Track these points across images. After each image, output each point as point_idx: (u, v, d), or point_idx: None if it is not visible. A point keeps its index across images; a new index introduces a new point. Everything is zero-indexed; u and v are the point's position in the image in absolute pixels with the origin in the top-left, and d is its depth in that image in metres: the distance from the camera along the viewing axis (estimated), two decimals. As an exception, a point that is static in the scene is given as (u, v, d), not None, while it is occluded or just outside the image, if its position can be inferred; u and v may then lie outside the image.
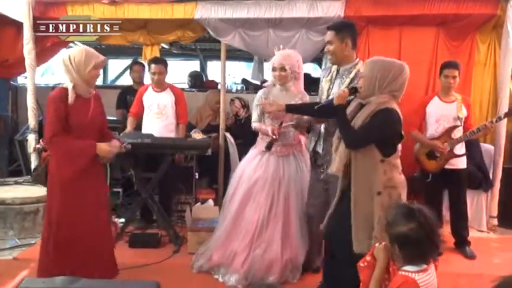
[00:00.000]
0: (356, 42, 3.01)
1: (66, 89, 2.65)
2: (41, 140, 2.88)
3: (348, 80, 2.90)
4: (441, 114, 4.00)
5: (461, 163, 3.99)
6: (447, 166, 3.97)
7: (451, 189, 4.12)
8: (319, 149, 3.08)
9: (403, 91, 2.49)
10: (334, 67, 3.08)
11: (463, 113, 3.95)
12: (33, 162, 5.09)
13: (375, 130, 2.42)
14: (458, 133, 3.93)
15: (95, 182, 2.85)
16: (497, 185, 4.56)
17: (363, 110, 2.49)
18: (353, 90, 2.58)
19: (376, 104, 2.41)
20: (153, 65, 4.32)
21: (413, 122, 4.22)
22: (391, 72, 2.41)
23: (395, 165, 2.44)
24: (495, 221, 4.63)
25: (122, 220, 4.31)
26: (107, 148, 2.81)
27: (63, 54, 2.68)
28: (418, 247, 1.76)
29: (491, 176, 4.57)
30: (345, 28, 2.96)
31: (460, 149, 3.96)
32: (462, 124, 3.95)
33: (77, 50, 2.69)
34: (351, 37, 2.93)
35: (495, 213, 4.62)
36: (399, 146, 2.51)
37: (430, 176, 4.04)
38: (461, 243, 4.05)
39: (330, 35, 2.94)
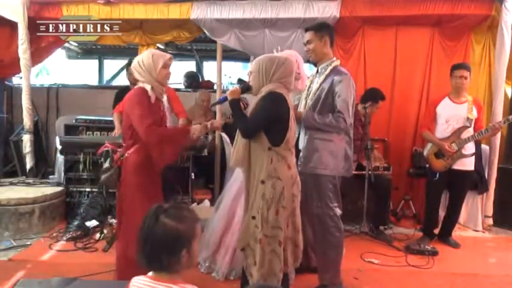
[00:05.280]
0: (333, 41, 3.11)
1: (145, 89, 2.67)
2: (106, 142, 2.84)
3: (322, 77, 2.98)
4: (451, 114, 4.02)
5: (469, 165, 4.02)
6: (455, 167, 3.99)
7: (454, 190, 4.16)
8: (300, 144, 3.09)
9: (292, 79, 2.54)
10: (316, 68, 3.18)
11: (474, 114, 3.96)
12: (29, 163, 5.10)
13: (260, 112, 2.45)
14: (467, 134, 3.95)
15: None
16: (493, 185, 4.59)
17: (254, 100, 2.55)
18: (245, 88, 2.67)
19: (264, 92, 2.46)
20: None
21: (424, 122, 4.27)
22: (274, 63, 2.47)
23: (283, 157, 2.42)
24: (490, 221, 4.66)
25: (118, 221, 4.29)
26: (199, 127, 2.84)
27: (133, 64, 2.72)
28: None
29: (486, 177, 4.61)
30: (322, 27, 3.08)
31: (469, 149, 3.97)
32: (472, 125, 3.96)
33: (144, 54, 2.73)
34: (329, 36, 3.03)
35: (490, 213, 4.65)
36: (290, 139, 2.45)
37: (438, 175, 4.06)
38: (446, 235, 4.22)
39: (309, 34, 3.06)
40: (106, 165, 2.78)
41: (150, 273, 1.52)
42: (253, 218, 2.45)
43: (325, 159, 2.92)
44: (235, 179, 3.43)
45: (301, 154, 3.01)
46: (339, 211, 2.99)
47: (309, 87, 3.14)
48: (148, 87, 2.67)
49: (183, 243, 1.48)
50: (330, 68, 2.99)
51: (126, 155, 2.69)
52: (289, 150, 2.46)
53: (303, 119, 2.94)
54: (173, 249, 1.47)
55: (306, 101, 3.09)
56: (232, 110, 2.62)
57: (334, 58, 3.06)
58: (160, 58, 2.70)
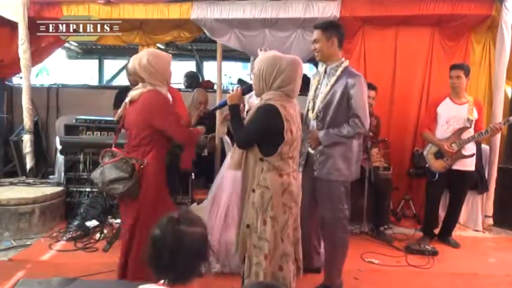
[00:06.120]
0: (342, 41, 3.02)
1: (162, 92, 2.66)
2: (115, 148, 2.76)
3: (334, 78, 2.92)
4: (452, 115, 4.01)
5: (469, 165, 4.01)
6: (455, 167, 3.99)
7: (454, 190, 4.16)
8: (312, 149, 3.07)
9: (295, 86, 2.42)
10: (323, 68, 3.11)
11: (474, 115, 3.95)
12: (29, 163, 5.10)
13: (252, 127, 2.41)
14: (467, 135, 3.95)
15: None
16: (493, 185, 4.58)
17: (252, 108, 2.51)
18: (246, 89, 2.63)
19: (263, 101, 2.40)
20: None
21: (424, 122, 4.28)
22: (276, 67, 2.35)
23: (275, 167, 2.36)
24: (490, 221, 4.65)
25: (118, 221, 4.30)
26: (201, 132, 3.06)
27: (135, 62, 2.64)
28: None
29: (486, 177, 4.60)
30: (331, 27, 3.00)
31: (469, 149, 3.97)
32: (472, 126, 3.96)
33: (152, 55, 2.67)
34: (337, 36, 2.95)
35: (490, 212, 4.65)
36: (285, 150, 2.37)
37: (437, 175, 4.05)
38: (446, 235, 4.23)
39: (316, 33, 2.99)
40: (117, 174, 2.59)
41: (162, 281, 1.45)
42: (248, 226, 2.42)
43: (340, 165, 2.90)
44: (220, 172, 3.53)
45: (315, 158, 2.99)
46: (347, 213, 2.98)
47: (316, 88, 3.07)
48: (163, 89, 2.66)
49: (209, 245, 1.48)
50: (340, 69, 2.92)
51: (146, 161, 2.62)
52: (282, 160, 2.37)
53: (321, 140, 2.89)
54: (206, 254, 1.47)
55: (314, 103, 3.02)
56: (230, 116, 2.57)
57: (343, 58, 3.00)
58: (167, 58, 2.73)
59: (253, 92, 2.67)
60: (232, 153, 2.56)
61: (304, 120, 3.08)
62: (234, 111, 2.54)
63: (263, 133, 2.36)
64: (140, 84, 2.67)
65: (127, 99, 2.72)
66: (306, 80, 4.21)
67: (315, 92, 3.07)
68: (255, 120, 2.39)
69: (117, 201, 2.88)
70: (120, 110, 2.78)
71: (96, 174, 2.69)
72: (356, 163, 2.98)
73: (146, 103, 2.59)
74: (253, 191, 2.39)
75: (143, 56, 2.64)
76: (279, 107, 2.33)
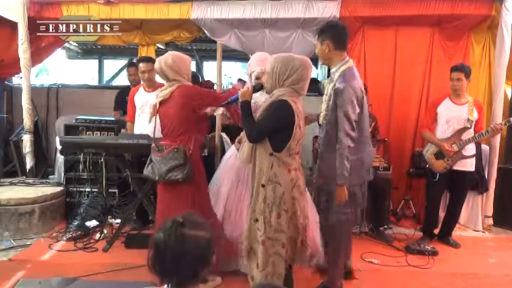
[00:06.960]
0: (341, 42, 2.81)
1: (187, 84, 3.02)
2: (163, 141, 3.05)
3: (332, 84, 2.82)
4: (452, 115, 4.01)
5: (469, 166, 4.01)
6: (455, 167, 3.99)
7: (454, 190, 4.16)
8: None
9: (305, 84, 2.55)
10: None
11: (474, 116, 3.95)
12: (29, 163, 5.09)
13: (266, 120, 2.50)
14: (468, 135, 3.95)
15: None
16: (493, 185, 4.58)
17: (264, 103, 2.60)
18: (258, 87, 2.74)
19: (275, 96, 2.50)
20: (141, 64, 4.28)
21: (424, 122, 4.28)
22: (290, 66, 2.48)
23: (284, 163, 2.48)
24: (490, 221, 4.65)
25: (118, 221, 4.30)
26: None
27: (162, 62, 2.96)
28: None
29: (486, 177, 4.60)
30: (325, 30, 2.82)
31: (469, 150, 3.97)
32: (472, 127, 3.96)
33: (176, 56, 3.00)
34: (332, 39, 2.78)
35: (490, 213, 4.64)
36: (293, 145, 2.49)
37: (438, 175, 4.05)
38: (446, 235, 4.23)
39: (315, 38, 2.94)
40: (171, 164, 2.86)
41: (166, 286, 1.41)
42: (256, 220, 2.52)
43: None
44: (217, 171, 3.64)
45: (317, 166, 2.98)
46: (350, 217, 2.92)
47: (326, 91, 2.95)
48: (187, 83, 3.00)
49: (213, 249, 1.44)
50: (337, 73, 2.80)
51: (191, 148, 2.90)
52: (290, 156, 2.50)
53: (342, 180, 2.69)
54: (209, 258, 1.43)
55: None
56: (242, 112, 2.65)
57: (345, 59, 2.83)
58: (189, 59, 3.12)
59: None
60: (242, 147, 2.65)
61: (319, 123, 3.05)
62: (245, 108, 2.62)
63: (276, 127, 2.48)
64: (166, 84, 3.02)
65: (157, 100, 3.01)
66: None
67: (325, 95, 2.95)
68: (269, 115, 2.49)
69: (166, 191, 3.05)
70: (151, 112, 3.16)
71: (148, 171, 3.02)
72: (362, 167, 2.87)
73: (182, 95, 2.91)
74: (263, 186, 2.48)
75: (168, 57, 2.97)
76: (291, 102, 2.45)
